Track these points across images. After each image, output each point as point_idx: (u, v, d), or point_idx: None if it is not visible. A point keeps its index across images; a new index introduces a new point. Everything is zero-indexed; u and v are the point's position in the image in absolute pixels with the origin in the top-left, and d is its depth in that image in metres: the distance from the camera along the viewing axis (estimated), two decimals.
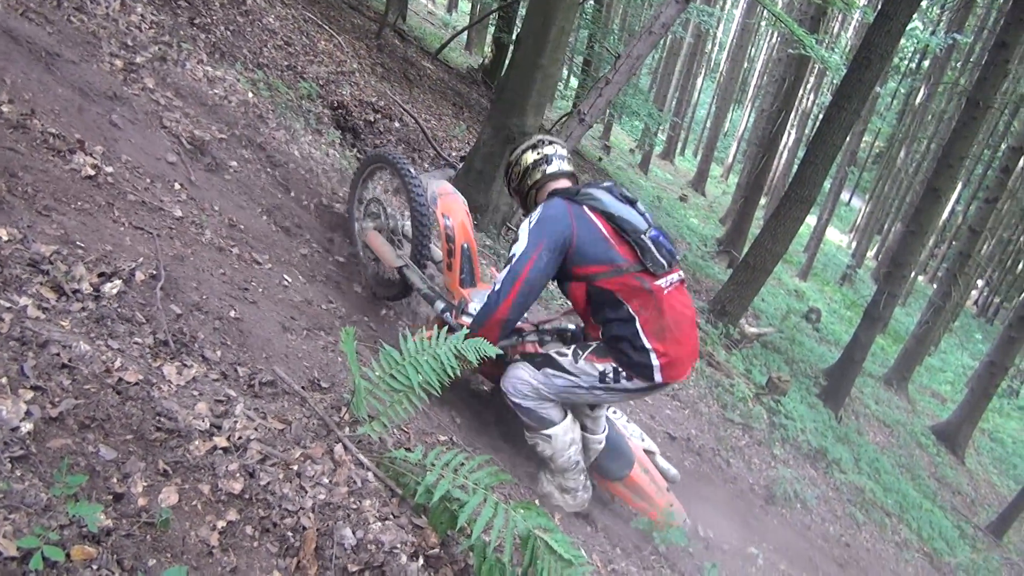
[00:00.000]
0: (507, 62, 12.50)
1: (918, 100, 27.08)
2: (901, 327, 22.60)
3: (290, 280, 3.73)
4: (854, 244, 33.48)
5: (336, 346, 3.28)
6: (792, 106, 17.23)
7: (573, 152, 10.35)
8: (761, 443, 7.53)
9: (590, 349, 3.26)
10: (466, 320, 3.46)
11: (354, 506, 2.21)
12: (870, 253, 33.83)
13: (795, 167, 10.28)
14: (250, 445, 2.18)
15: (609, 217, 3.08)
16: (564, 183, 3.37)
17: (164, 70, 4.56)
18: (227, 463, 2.07)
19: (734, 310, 8.88)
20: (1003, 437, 17.80)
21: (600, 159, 17.98)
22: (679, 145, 39.10)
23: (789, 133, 26.32)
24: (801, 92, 22.95)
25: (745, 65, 40.65)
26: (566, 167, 3.41)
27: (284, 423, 2.39)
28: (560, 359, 3.29)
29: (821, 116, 8.81)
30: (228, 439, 2.16)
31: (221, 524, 1.93)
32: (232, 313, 2.87)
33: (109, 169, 3.23)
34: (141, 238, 2.93)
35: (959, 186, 24.91)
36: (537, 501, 3.58)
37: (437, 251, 4.34)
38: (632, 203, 3.25)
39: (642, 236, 3.10)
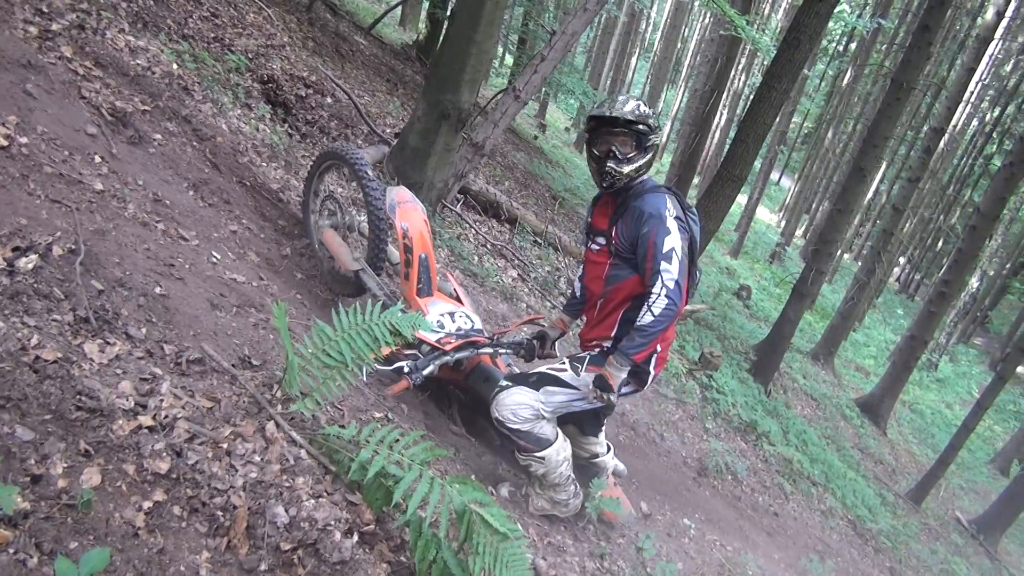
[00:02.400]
0: (441, 38, 12.36)
1: (845, 82, 27.78)
2: (828, 303, 23.25)
3: (219, 257, 3.63)
4: (783, 223, 34.29)
5: (267, 323, 3.21)
6: (724, 86, 17.46)
7: (508, 130, 10.29)
8: (694, 417, 7.69)
9: (588, 360, 3.28)
10: (419, 333, 3.39)
11: (287, 484, 2.17)
12: (799, 231, 34.67)
13: (727, 147, 10.44)
14: (177, 424, 2.12)
15: (694, 240, 3.15)
16: None
17: (83, 39, 4.36)
18: (153, 442, 2.01)
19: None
20: (922, 408, 18.55)
21: (536, 137, 17.95)
22: None
23: (721, 113, 26.71)
24: (733, 72, 23.27)
25: (678, 45, 40.96)
26: None
27: (213, 401, 2.33)
28: (560, 374, 3.32)
29: (752, 96, 8.93)
30: (154, 418, 2.09)
31: (147, 505, 1.87)
32: (158, 290, 2.78)
33: (24, 140, 3.08)
34: (59, 212, 2.81)
35: (883, 166, 25.68)
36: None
37: (394, 252, 4.30)
38: None
39: (699, 270, 3.32)
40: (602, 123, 3.10)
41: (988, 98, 27.13)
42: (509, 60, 22.55)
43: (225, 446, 2.16)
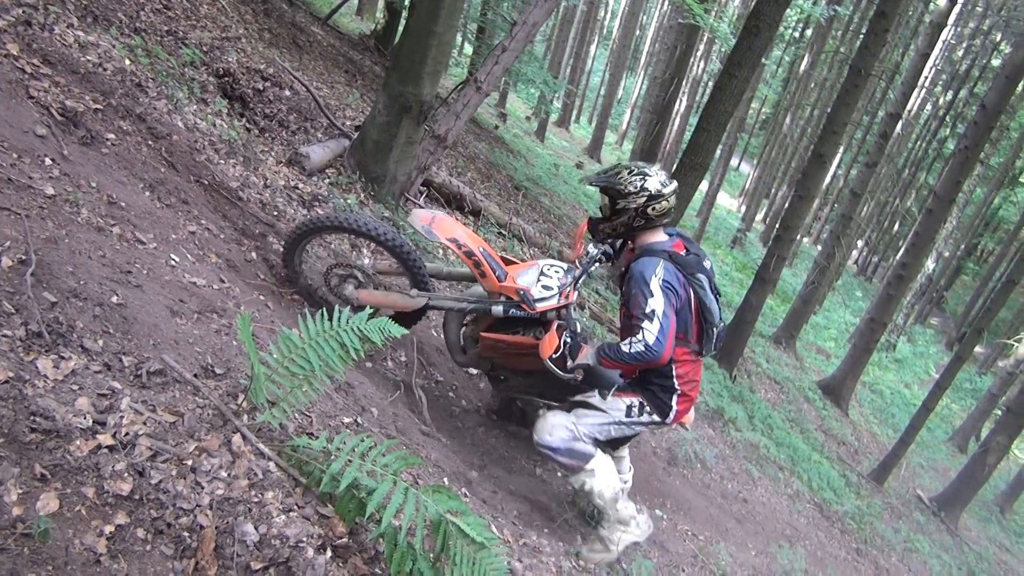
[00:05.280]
0: (401, 29, 12.20)
1: (802, 68, 28.03)
2: (789, 287, 23.54)
3: (178, 260, 3.52)
4: (744, 208, 34.61)
5: (230, 328, 3.12)
6: (684, 74, 17.53)
7: (469, 120, 10.22)
8: None
9: (616, 387, 3.70)
10: (541, 306, 3.77)
11: (255, 499, 2.10)
12: (759, 217, 35.02)
13: (687, 134, 10.47)
14: (138, 441, 2.03)
15: (701, 304, 3.48)
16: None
17: (29, 35, 4.20)
18: (113, 462, 1.92)
19: (613, 270, 9.00)
20: (882, 389, 18.88)
21: (497, 127, 17.87)
22: (574, 112, 39.31)
23: (681, 100, 26.78)
24: (692, 60, 23.35)
25: (637, 33, 41.10)
26: None
27: (176, 415, 2.24)
28: (589, 399, 3.74)
29: (712, 84, 8.95)
30: (114, 436, 2.00)
31: (109, 529, 1.79)
32: (114, 298, 2.67)
33: None
34: (7, 220, 2.68)
35: (841, 151, 26.00)
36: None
37: (435, 265, 4.50)
38: (715, 292, 3.61)
39: (715, 328, 3.56)
40: (597, 188, 3.54)
41: (941, 83, 27.59)
42: (469, 50, 22.39)
43: (190, 463, 2.08)
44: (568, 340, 3.58)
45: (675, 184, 3.51)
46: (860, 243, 35.06)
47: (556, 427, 3.70)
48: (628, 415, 3.68)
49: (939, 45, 20.76)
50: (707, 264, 3.60)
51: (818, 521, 7.97)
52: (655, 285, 3.27)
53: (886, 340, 21.94)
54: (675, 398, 3.64)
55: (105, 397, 2.14)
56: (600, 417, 3.70)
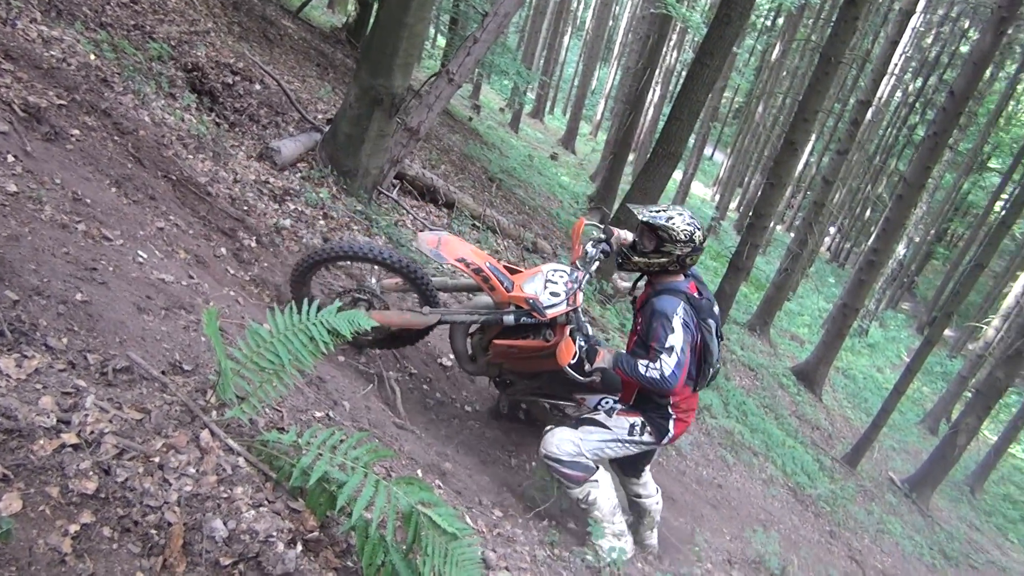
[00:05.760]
0: (372, 21, 12.12)
1: (774, 57, 28.21)
2: (762, 275, 23.72)
3: (145, 256, 3.49)
4: (717, 197, 34.77)
5: (199, 324, 3.09)
6: (657, 64, 17.57)
7: (443, 112, 10.19)
8: None
9: (619, 408, 3.96)
10: (551, 312, 3.91)
11: (224, 495, 2.09)
12: (732, 205, 35.23)
13: (661, 123, 10.48)
14: (104, 439, 2.02)
15: (705, 346, 3.73)
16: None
17: None
18: (78, 461, 1.91)
19: (607, 266, 9.02)
20: (855, 374, 19.11)
21: (471, 119, 17.83)
22: (548, 104, 39.29)
23: (654, 90, 26.86)
24: (665, 50, 23.44)
25: (610, 23, 41.14)
26: None
27: (142, 412, 2.23)
28: (595, 416, 3.98)
29: (685, 73, 8.98)
30: (78, 435, 1.98)
31: (74, 528, 1.78)
32: (79, 296, 2.64)
33: None
34: None
35: (813, 139, 26.20)
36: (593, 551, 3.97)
37: (441, 279, 4.62)
38: (719, 336, 3.89)
39: (712, 368, 3.85)
40: (642, 223, 3.70)
41: (911, 70, 27.87)
42: (441, 41, 22.31)
43: (157, 460, 2.07)
44: (583, 344, 3.70)
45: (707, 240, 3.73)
46: (832, 230, 35.43)
47: (563, 441, 3.89)
48: (630, 433, 3.92)
49: (908, 32, 20.95)
50: (716, 310, 3.87)
51: (792, 505, 8.07)
52: (677, 323, 3.53)
53: (858, 325, 22.20)
54: (672, 422, 3.90)
55: (69, 395, 2.12)
56: (605, 434, 3.93)
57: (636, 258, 3.79)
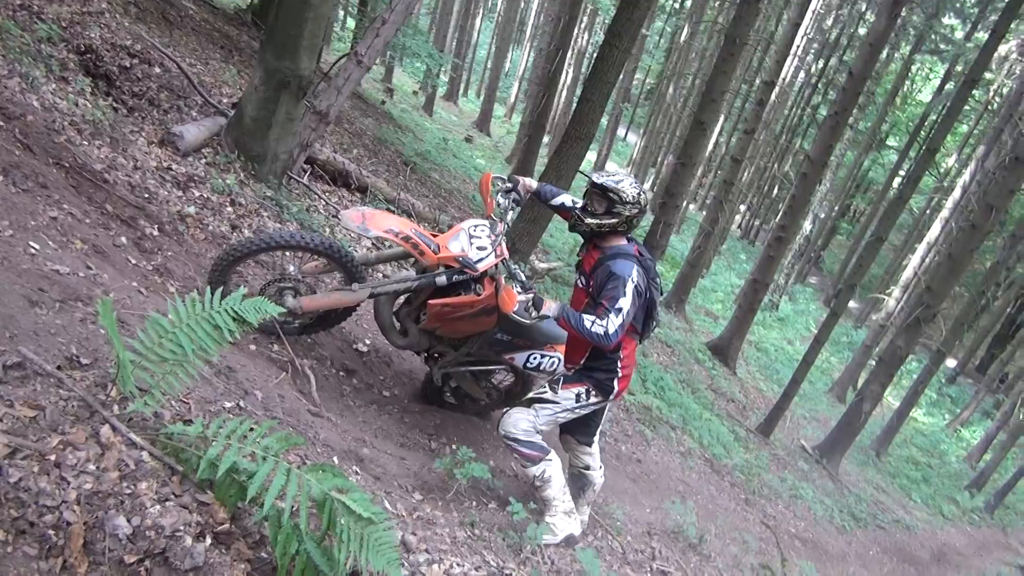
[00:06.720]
0: (277, 1, 11.80)
1: (683, 38, 28.73)
2: (677, 253, 24.21)
3: (38, 247, 3.32)
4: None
5: (97, 317, 2.96)
6: (568, 45, 17.63)
7: (354, 96, 10.00)
8: None
9: (563, 380, 4.15)
10: (482, 265, 4.05)
11: (127, 491, 2.02)
12: (647, 185, 35.81)
13: (574, 105, 10.51)
14: None
15: (651, 302, 3.99)
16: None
17: None
18: None
19: (524, 247, 9.05)
20: (767, 346, 19.76)
21: (383, 102, 17.59)
22: (462, 86, 39.13)
23: (567, 72, 27.01)
24: (576, 31, 23.58)
25: (522, 5, 41.15)
26: None
27: (36, 409, 2.12)
28: (543, 394, 4.16)
29: (595, 55, 9.04)
30: None
31: None
32: None
33: None
34: None
35: (721, 119, 26.82)
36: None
37: (363, 253, 4.74)
38: (660, 292, 4.14)
39: (654, 321, 4.15)
40: (593, 186, 3.85)
41: (813, 51, 28.73)
42: (351, 23, 21.91)
43: (53, 458, 1.98)
44: (521, 291, 3.88)
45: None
46: (742, 208, 36.42)
47: (519, 420, 4.09)
48: (577, 401, 4.11)
49: (809, 15, 21.63)
50: (657, 269, 4.12)
51: (709, 476, 8.30)
52: (630, 288, 3.67)
53: (769, 300, 22.96)
54: (616, 380, 4.09)
55: None
56: (554, 407, 4.12)
57: (588, 220, 3.90)
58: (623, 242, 3.93)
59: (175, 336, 2.37)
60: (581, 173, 4.45)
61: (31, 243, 3.31)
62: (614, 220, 3.83)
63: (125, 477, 2.06)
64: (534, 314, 3.73)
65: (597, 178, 3.86)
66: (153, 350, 2.34)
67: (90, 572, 1.81)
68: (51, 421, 2.11)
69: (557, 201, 4.40)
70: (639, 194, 3.82)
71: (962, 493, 15.61)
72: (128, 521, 1.93)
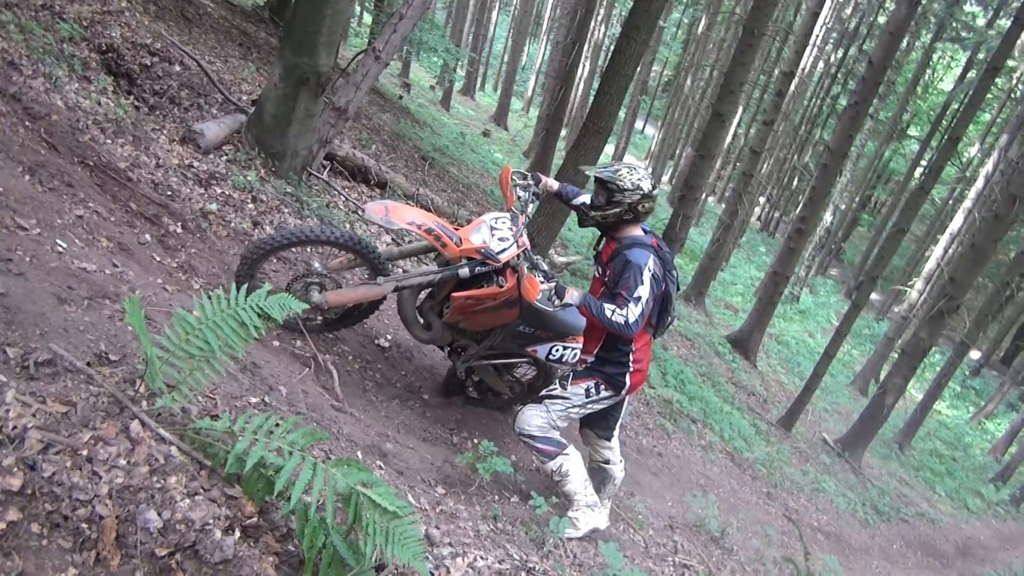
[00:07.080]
0: None
1: (700, 30, 28.56)
2: (696, 246, 24.11)
3: (65, 245, 3.37)
4: (650, 170, 35.17)
5: (125, 314, 3.00)
6: (585, 38, 17.57)
7: (372, 91, 10.02)
8: None
9: (572, 376, 4.19)
10: (504, 256, 4.07)
11: (158, 485, 2.05)
12: (665, 178, 35.71)
13: (591, 98, 10.48)
14: (28, 434, 1.95)
15: (668, 294, 4.01)
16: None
17: None
18: (1, 458, 1.84)
19: (543, 241, 9.05)
20: (788, 339, 19.65)
21: (401, 97, 17.62)
22: (479, 80, 39.11)
23: (584, 65, 26.96)
24: (593, 24, 23.51)
25: None
26: None
27: (68, 405, 2.16)
28: (554, 391, 4.19)
29: (613, 48, 9.01)
30: (0, 430, 1.91)
31: (0, 527, 1.72)
32: None
33: None
34: None
35: (740, 110, 26.65)
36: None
37: (388, 248, 4.74)
38: (677, 287, 4.15)
39: (670, 316, 4.14)
40: (595, 181, 3.91)
41: (832, 41, 28.50)
42: (368, 19, 21.94)
43: (85, 452, 2.01)
44: (544, 280, 3.83)
45: (658, 189, 3.83)
46: (762, 199, 36.15)
47: (532, 417, 4.15)
48: (587, 396, 4.14)
49: (828, 4, 21.44)
50: (674, 262, 4.12)
51: (730, 469, 8.28)
52: (647, 276, 3.71)
53: (790, 292, 22.80)
54: (627, 375, 4.08)
55: None
56: (564, 403, 4.15)
57: (593, 212, 3.97)
58: (639, 232, 3.97)
59: (202, 332, 2.40)
60: (581, 171, 4.48)
61: (58, 241, 3.36)
62: (617, 209, 3.86)
63: (155, 472, 2.09)
64: (557, 302, 3.75)
65: (594, 171, 3.93)
66: (180, 346, 2.37)
67: (123, 565, 1.84)
68: (82, 417, 2.14)
69: (578, 200, 4.39)
70: (639, 180, 3.82)
71: (987, 486, 15.47)
72: (159, 515, 1.96)
